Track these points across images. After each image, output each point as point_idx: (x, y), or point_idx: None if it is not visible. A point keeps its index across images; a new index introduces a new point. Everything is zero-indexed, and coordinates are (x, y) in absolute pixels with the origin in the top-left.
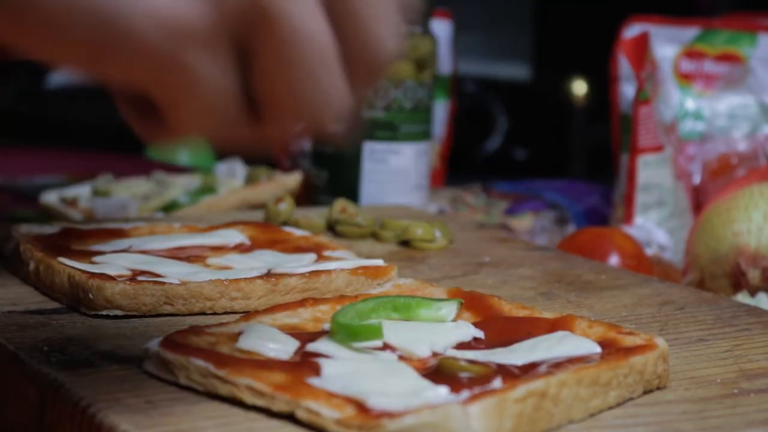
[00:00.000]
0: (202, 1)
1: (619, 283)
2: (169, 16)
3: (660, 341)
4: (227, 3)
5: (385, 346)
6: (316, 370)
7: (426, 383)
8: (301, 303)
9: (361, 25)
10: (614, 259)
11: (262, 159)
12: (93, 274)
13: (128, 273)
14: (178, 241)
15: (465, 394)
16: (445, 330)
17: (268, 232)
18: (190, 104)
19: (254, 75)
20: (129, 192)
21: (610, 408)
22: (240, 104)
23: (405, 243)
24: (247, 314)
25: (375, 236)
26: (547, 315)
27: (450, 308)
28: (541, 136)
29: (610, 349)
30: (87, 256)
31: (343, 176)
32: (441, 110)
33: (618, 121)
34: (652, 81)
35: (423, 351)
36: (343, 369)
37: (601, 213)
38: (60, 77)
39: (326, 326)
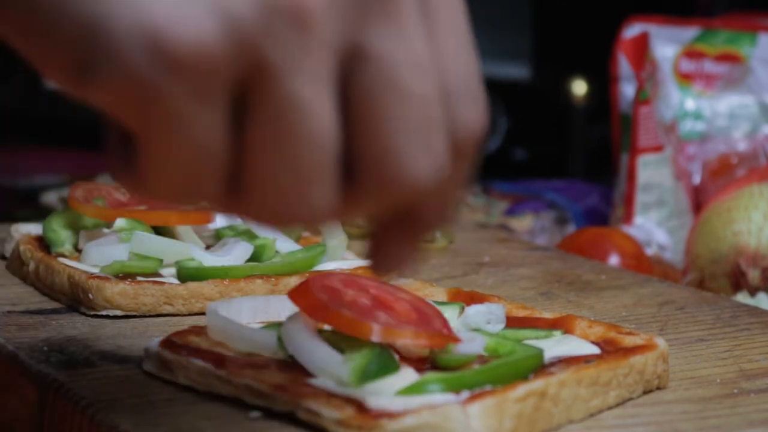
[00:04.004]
0: (213, 22)
1: (619, 283)
2: (162, 36)
3: (660, 341)
4: (243, 29)
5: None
6: None
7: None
8: None
9: (379, 137)
10: (614, 259)
11: None
12: (93, 275)
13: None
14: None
15: (465, 394)
16: None
17: None
18: (165, 152)
19: (243, 141)
20: None
21: (610, 408)
22: (222, 169)
23: None
24: None
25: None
26: (547, 315)
27: (452, 312)
28: (541, 136)
29: (610, 349)
30: None
31: None
32: None
33: (618, 121)
34: (652, 81)
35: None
36: None
37: (601, 213)
38: None
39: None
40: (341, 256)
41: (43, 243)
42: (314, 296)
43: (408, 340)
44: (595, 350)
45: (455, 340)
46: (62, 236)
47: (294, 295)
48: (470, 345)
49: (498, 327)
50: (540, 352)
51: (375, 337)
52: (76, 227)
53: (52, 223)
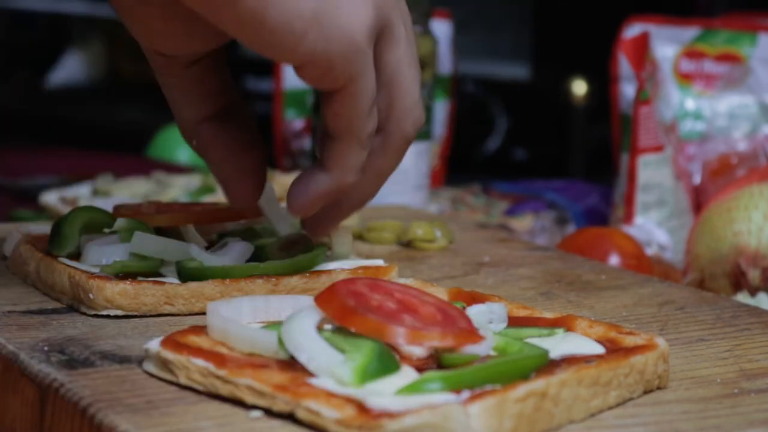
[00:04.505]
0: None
1: (619, 283)
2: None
3: (660, 341)
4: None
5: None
6: None
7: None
8: None
9: (404, 99)
10: (614, 259)
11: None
12: (93, 274)
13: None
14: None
15: (465, 394)
16: None
17: None
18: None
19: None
20: (129, 192)
21: (611, 408)
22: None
23: (405, 243)
24: None
25: (372, 238)
26: (548, 315)
27: None
28: (541, 136)
29: (610, 348)
30: None
31: None
32: (441, 110)
33: (618, 121)
34: (652, 81)
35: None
36: None
37: (601, 213)
38: (60, 77)
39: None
40: (349, 258)
41: (43, 243)
42: (341, 301)
43: (435, 341)
44: (598, 348)
45: (480, 338)
46: (73, 240)
47: (321, 300)
48: (479, 345)
49: (500, 326)
50: (545, 352)
51: (402, 340)
52: (87, 230)
53: (63, 226)
